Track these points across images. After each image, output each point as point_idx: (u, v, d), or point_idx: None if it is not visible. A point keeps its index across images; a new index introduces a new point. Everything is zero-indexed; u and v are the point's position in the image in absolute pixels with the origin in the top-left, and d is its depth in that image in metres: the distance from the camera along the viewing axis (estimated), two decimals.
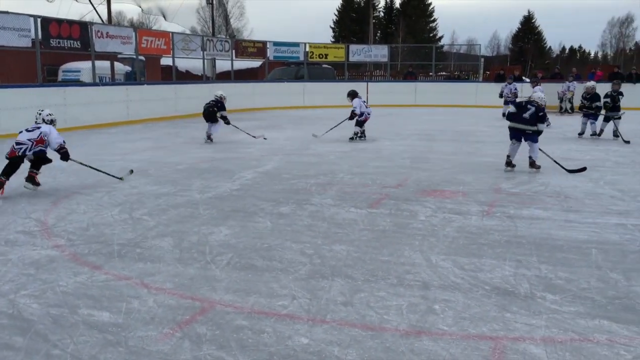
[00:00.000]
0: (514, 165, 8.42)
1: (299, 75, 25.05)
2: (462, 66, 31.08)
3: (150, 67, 24.38)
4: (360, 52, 25.87)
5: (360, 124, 12.21)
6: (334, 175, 8.05)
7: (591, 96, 12.68)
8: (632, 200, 6.45)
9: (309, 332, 3.13)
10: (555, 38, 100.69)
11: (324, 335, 3.10)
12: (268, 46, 23.81)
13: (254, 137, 12.21)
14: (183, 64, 24.35)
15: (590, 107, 12.69)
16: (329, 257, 4.44)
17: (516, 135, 8.36)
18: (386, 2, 62.92)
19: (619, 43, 63.16)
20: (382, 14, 63.13)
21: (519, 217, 5.68)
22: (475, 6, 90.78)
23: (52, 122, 7.28)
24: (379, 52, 26.54)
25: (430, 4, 61.43)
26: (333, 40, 58.03)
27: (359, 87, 25.07)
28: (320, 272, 4.11)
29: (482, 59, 29.57)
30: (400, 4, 61.17)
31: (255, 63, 26.65)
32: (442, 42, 59.66)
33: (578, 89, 19.01)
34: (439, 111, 20.93)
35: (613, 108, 12.55)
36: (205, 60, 21.12)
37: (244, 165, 8.89)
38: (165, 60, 21.82)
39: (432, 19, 62.12)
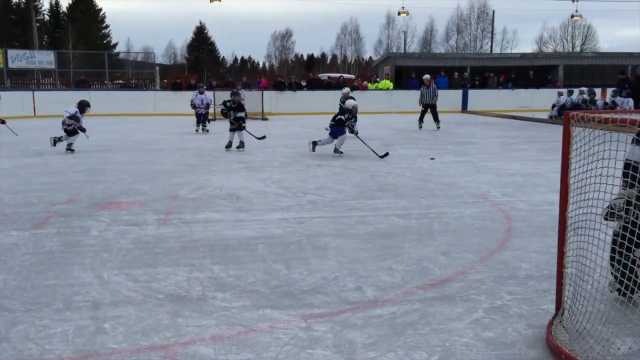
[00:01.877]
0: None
1: None
2: (139, 74, 30.65)
3: None
4: (21, 58, 23.52)
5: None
6: None
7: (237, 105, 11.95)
8: (293, 196, 7.18)
9: None
10: (228, 49, 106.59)
11: None
12: None
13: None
14: None
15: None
16: None
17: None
18: (51, 5, 58.28)
19: (282, 55, 70.19)
20: (47, 17, 58.24)
21: (195, 222, 5.82)
22: (149, 14, 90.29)
23: None
24: (44, 59, 24.56)
25: (101, 9, 58.96)
26: None
27: (23, 96, 22.89)
28: None
29: (158, 67, 29.64)
30: (68, 8, 57.26)
31: None
32: (117, 49, 57.89)
33: (249, 96, 20.44)
34: (116, 121, 20.20)
35: None
36: None
37: None
38: None
39: (105, 25, 59.75)
